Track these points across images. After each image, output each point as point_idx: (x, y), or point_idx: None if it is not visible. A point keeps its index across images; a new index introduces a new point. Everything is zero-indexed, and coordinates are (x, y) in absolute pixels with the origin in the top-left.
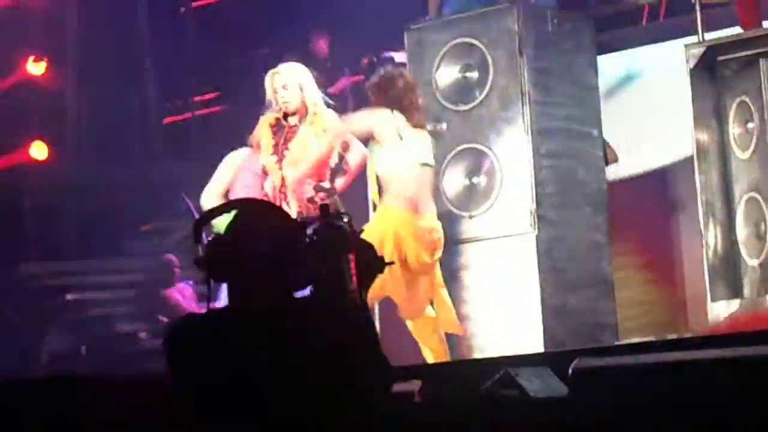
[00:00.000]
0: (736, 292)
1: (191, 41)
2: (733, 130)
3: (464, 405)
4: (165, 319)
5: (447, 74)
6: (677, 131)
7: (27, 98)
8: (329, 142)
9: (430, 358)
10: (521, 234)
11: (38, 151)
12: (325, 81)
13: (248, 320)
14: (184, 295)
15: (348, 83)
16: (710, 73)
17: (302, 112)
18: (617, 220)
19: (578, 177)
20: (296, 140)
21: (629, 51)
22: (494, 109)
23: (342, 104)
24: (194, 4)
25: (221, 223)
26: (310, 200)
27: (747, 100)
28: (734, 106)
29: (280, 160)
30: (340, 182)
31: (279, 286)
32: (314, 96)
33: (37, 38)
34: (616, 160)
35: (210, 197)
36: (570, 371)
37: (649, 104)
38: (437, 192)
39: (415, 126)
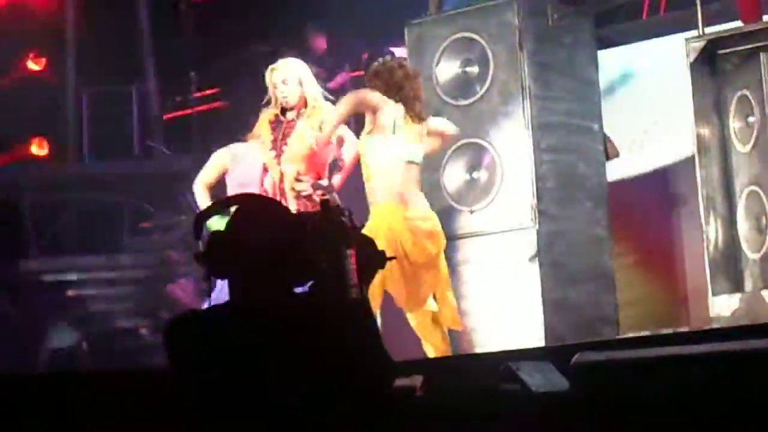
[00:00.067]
0: (737, 286)
1: (191, 37)
2: (734, 123)
3: (466, 400)
4: (166, 315)
5: (447, 69)
6: (678, 126)
7: (27, 95)
8: (333, 124)
9: (431, 353)
10: (522, 228)
11: (38, 147)
12: (324, 76)
13: (249, 316)
14: (185, 290)
15: (348, 78)
16: (711, 67)
17: (300, 107)
18: (618, 215)
19: (579, 171)
20: (294, 135)
21: (629, 46)
22: (495, 103)
23: None
24: (193, 0)
25: (214, 223)
26: (308, 198)
27: (747, 93)
28: (735, 99)
29: (278, 156)
30: (336, 179)
31: (280, 281)
32: (314, 90)
33: (36, 35)
34: (617, 154)
35: (198, 187)
36: (571, 365)
37: (649, 99)
38: (438, 187)
39: (414, 117)
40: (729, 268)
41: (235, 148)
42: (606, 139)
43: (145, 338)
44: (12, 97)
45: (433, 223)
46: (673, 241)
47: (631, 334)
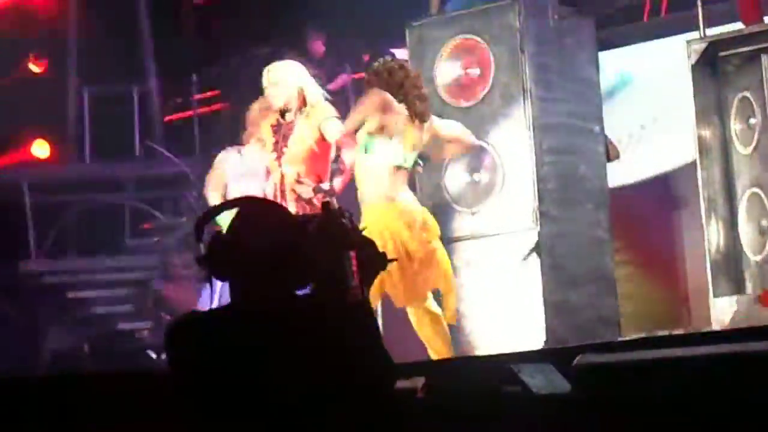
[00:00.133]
0: (738, 287)
1: (192, 39)
2: (735, 125)
3: (467, 402)
4: (167, 317)
5: (448, 71)
6: (679, 129)
7: (28, 96)
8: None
9: (432, 355)
10: (523, 230)
11: (40, 149)
12: (325, 78)
13: (250, 318)
14: (186, 292)
15: (349, 80)
16: (712, 68)
17: (297, 108)
18: (619, 217)
19: (580, 173)
20: (294, 136)
21: (630, 47)
22: (496, 105)
23: (342, 101)
24: (194, 2)
25: (225, 219)
26: (308, 201)
27: (749, 95)
28: (736, 101)
29: (279, 158)
30: (338, 182)
31: (281, 283)
32: (313, 90)
33: (38, 37)
34: (617, 156)
35: (209, 193)
36: (572, 367)
37: (650, 101)
38: (439, 188)
39: (416, 118)
40: (730, 270)
41: (235, 150)
42: (607, 141)
43: (146, 340)
44: (13, 98)
45: (425, 215)
46: (674, 243)
47: (632, 336)
